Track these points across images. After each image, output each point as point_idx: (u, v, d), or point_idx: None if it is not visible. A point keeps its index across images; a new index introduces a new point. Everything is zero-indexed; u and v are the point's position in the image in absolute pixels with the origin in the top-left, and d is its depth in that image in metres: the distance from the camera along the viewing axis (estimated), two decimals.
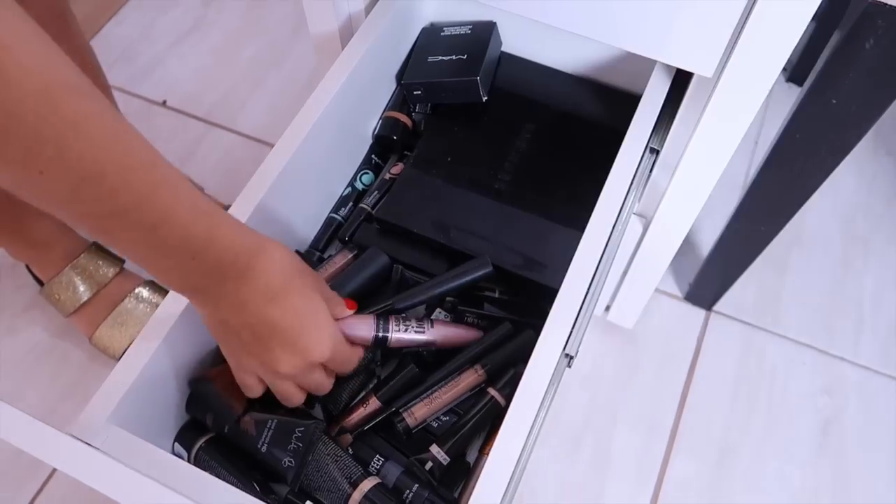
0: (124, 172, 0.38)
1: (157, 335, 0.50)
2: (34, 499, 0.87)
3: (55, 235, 0.88)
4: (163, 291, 0.92)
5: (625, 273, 0.87)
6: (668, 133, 0.65)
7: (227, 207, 1.03)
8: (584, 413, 0.95)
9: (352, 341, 0.55)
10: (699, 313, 1.03)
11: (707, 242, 1.02)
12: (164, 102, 1.22)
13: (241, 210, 0.57)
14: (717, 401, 0.97)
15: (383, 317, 0.57)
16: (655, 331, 1.02)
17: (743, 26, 0.51)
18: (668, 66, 0.64)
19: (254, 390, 0.53)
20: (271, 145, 1.19)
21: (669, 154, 0.69)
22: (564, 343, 0.51)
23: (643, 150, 0.60)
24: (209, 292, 0.46)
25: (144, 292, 0.90)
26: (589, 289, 0.53)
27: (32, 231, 0.85)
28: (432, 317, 0.63)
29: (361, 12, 0.71)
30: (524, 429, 0.48)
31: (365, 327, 0.56)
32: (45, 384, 0.94)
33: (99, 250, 0.91)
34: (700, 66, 0.56)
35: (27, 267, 0.92)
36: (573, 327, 0.52)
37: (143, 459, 0.47)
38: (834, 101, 0.61)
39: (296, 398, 0.54)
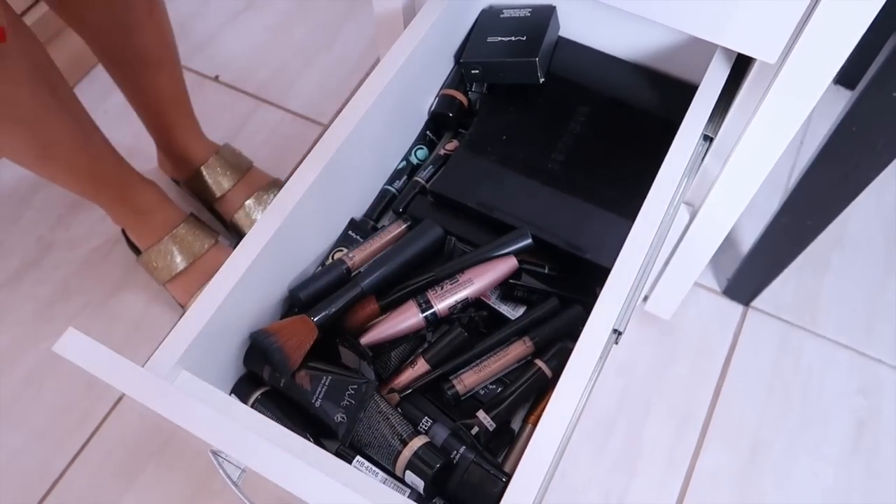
0: None
1: (224, 287, 0.53)
2: (79, 452, 0.90)
3: (156, 205, 0.90)
4: None
5: (666, 263, 0.87)
6: (722, 121, 0.65)
7: (275, 181, 1.03)
8: (618, 400, 0.96)
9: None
10: (737, 308, 1.03)
11: (746, 239, 1.02)
12: (217, 77, 1.24)
13: (304, 177, 0.59)
14: (752, 396, 0.97)
15: (419, 296, 0.59)
16: (692, 323, 1.02)
17: (811, 12, 0.52)
18: (727, 53, 0.64)
19: None
20: (319, 123, 1.22)
21: (721, 143, 0.69)
22: (616, 318, 0.52)
23: (699, 136, 0.61)
24: None
25: None
26: (641, 267, 0.54)
27: (137, 198, 0.88)
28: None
29: None
30: (574, 398, 0.49)
31: (410, 315, 0.59)
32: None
33: (197, 222, 0.92)
34: (764, 52, 0.57)
35: (123, 233, 0.96)
36: (625, 303, 0.53)
37: (211, 401, 0.49)
38: (894, 94, 0.62)
39: None
